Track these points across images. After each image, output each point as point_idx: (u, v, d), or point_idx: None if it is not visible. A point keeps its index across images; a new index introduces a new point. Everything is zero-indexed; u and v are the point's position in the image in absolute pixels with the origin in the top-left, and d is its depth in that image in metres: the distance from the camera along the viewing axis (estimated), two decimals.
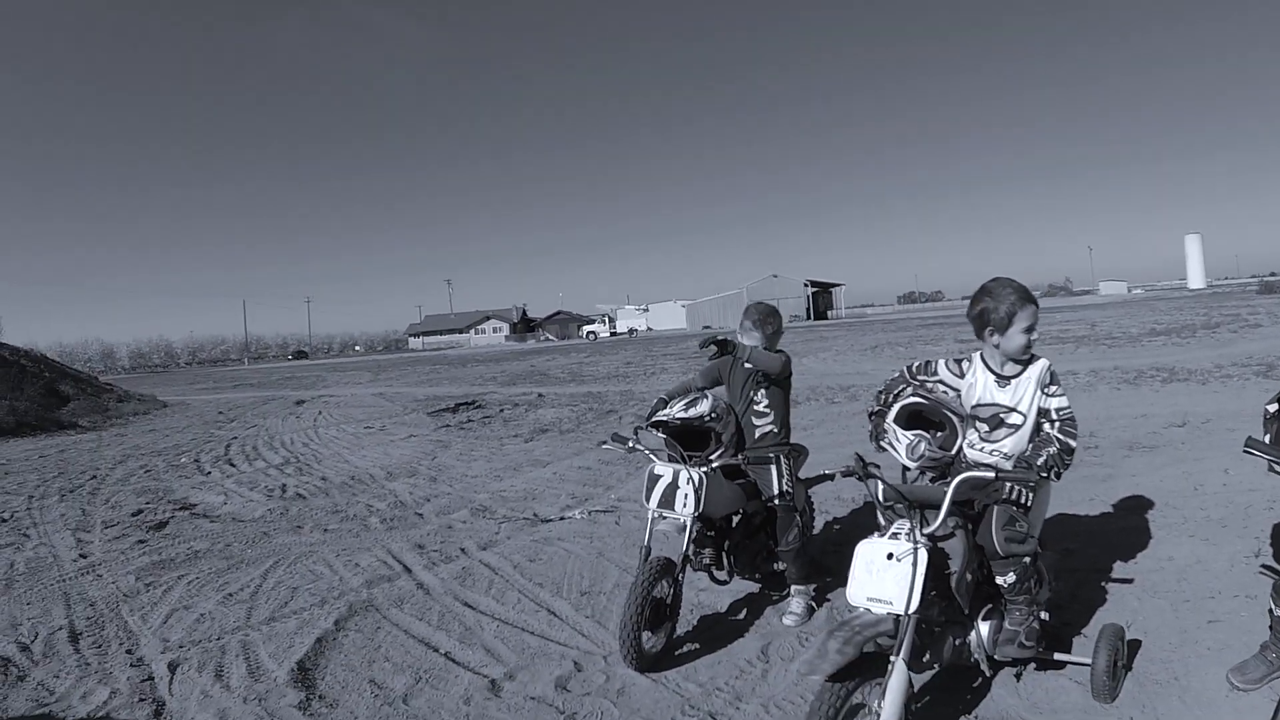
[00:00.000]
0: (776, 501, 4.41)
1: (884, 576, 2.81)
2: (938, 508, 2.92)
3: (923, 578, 2.77)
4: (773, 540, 4.53)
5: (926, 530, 2.90)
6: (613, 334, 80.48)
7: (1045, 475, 3.22)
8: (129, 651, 4.51)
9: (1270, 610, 3.31)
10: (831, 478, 3.61)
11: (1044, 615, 3.46)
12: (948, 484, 2.97)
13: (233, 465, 11.20)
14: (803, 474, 4.68)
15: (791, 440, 4.69)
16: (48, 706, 3.89)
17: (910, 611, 2.74)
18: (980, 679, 3.49)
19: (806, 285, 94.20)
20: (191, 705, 3.83)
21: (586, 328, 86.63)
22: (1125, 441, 8.39)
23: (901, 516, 2.96)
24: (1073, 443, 3.31)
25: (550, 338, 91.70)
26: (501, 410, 15.42)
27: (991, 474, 3.04)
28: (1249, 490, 5.89)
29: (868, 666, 2.71)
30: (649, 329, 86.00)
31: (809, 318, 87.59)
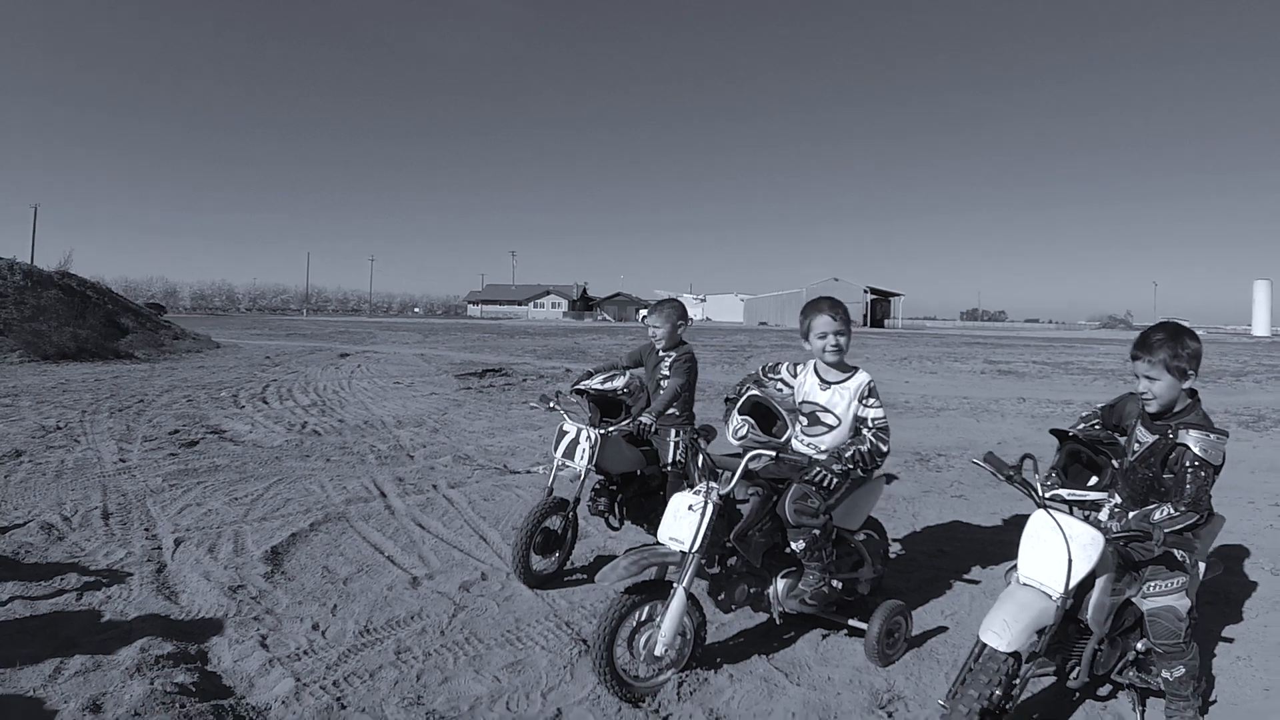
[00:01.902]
0: (669, 468, 5.29)
1: (681, 521, 3.61)
2: (731, 473, 3.68)
3: (708, 525, 3.54)
4: (665, 501, 5.41)
5: (722, 491, 3.67)
6: (688, 322, 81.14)
7: (851, 467, 3.88)
8: (146, 529, 5.66)
9: None
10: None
11: (837, 583, 4.11)
12: (737, 456, 3.74)
13: (265, 403, 12.46)
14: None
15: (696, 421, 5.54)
16: (77, 559, 5.01)
17: (694, 549, 3.51)
18: (793, 631, 4.27)
19: (866, 292, 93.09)
20: (185, 567, 4.98)
21: (642, 312, 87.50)
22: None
23: (712, 477, 3.73)
24: (884, 448, 3.96)
25: (607, 318, 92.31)
26: (524, 380, 16.43)
27: (778, 455, 3.74)
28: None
29: (659, 590, 3.56)
30: (706, 319, 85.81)
31: (865, 324, 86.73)
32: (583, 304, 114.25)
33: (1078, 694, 3.66)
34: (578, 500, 5.08)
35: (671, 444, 5.29)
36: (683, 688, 3.59)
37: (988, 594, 5.02)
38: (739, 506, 3.80)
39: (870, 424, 3.97)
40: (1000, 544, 6.14)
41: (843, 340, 4.04)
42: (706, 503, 3.58)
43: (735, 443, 3.91)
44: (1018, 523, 6.59)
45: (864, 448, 3.89)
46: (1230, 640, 4.34)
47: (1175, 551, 3.19)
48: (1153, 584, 3.25)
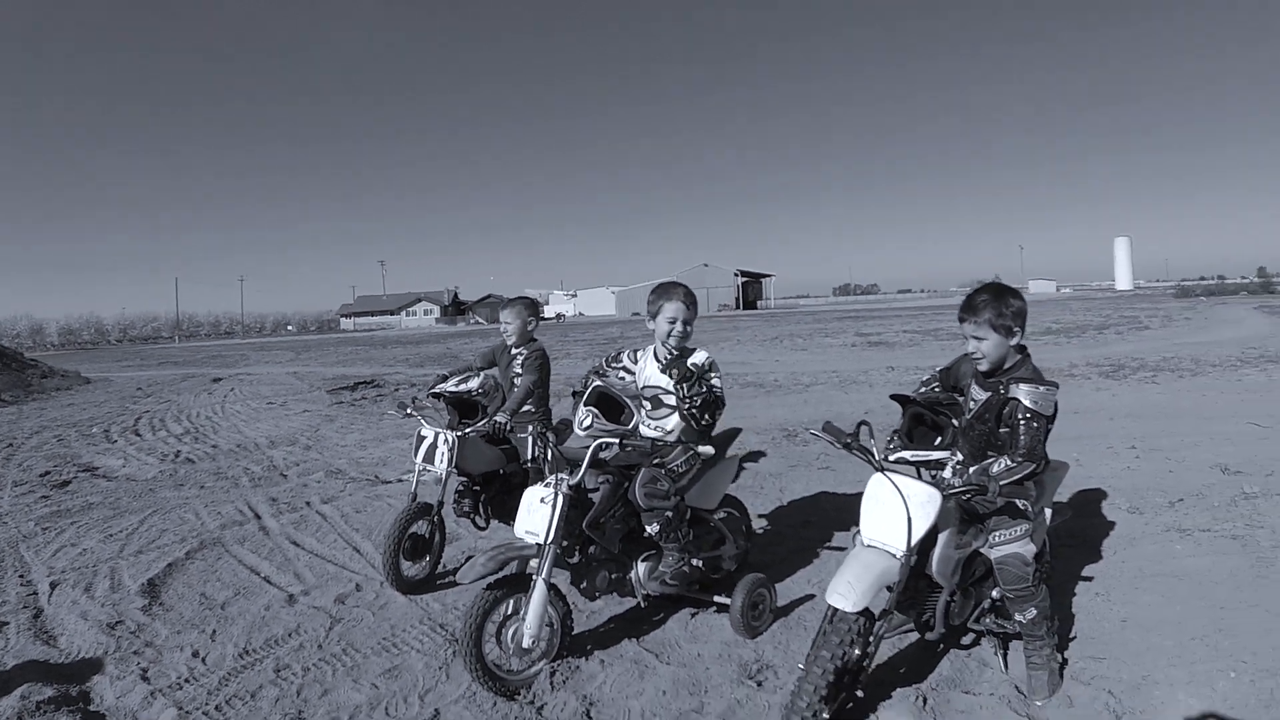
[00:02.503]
0: (529, 465, 5.48)
1: (535, 514, 3.81)
2: (578, 464, 3.89)
3: (560, 516, 3.75)
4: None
5: (571, 481, 3.83)
6: (541, 319, 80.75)
7: (679, 457, 4.12)
8: (20, 576, 5.60)
9: None
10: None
11: (698, 562, 4.37)
12: (588, 447, 3.93)
13: (138, 435, 12.18)
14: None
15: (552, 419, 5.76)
16: None
17: (549, 541, 3.73)
18: (662, 613, 4.54)
19: (737, 275, 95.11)
20: (62, 609, 4.95)
21: None
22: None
23: (562, 469, 3.92)
24: (712, 417, 4.07)
25: (480, 321, 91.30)
26: (396, 389, 16.52)
27: (617, 441, 3.95)
28: None
29: (519, 583, 3.76)
30: (579, 314, 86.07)
31: (738, 307, 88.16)
32: (455, 309, 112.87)
33: (941, 645, 4.00)
34: (441, 503, 5.26)
35: (529, 441, 5.45)
36: (555, 677, 3.82)
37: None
38: (591, 495, 3.99)
39: (707, 388, 4.06)
40: (846, 520, 6.46)
41: (689, 328, 4.25)
42: (556, 494, 3.77)
43: (583, 434, 4.07)
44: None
45: (691, 415, 4.03)
46: (1090, 579, 4.77)
47: (1017, 501, 3.47)
48: (998, 534, 3.52)
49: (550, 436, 4.21)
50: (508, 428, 5.37)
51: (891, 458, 3.54)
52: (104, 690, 3.87)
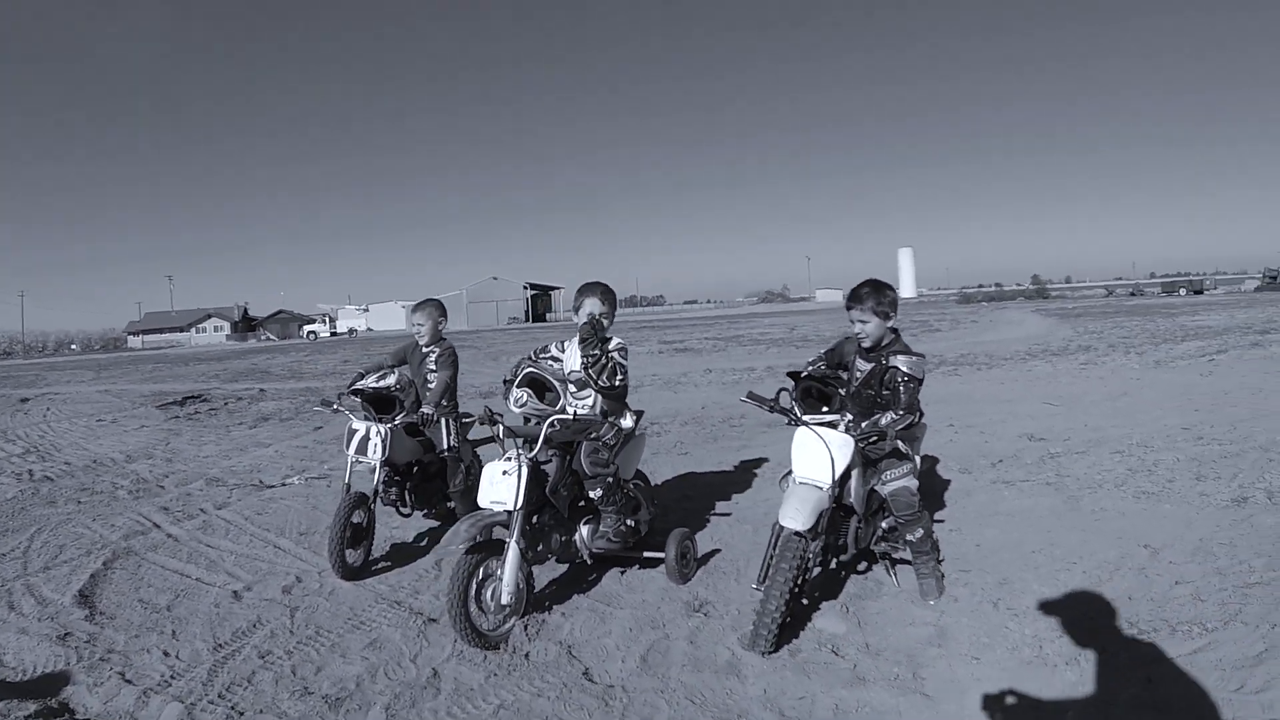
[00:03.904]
0: (446, 453, 5.91)
1: (500, 485, 4.27)
2: (534, 441, 4.37)
3: (525, 485, 4.23)
4: (445, 483, 6.00)
5: (530, 455, 4.33)
6: (333, 334, 78.61)
7: (606, 429, 4.65)
8: None
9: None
10: (472, 423, 5.22)
11: (631, 523, 4.95)
12: (542, 424, 4.42)
13: None
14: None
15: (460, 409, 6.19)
16: None
17: (517, 507, 4.20)
18: (595, 573, 5.09)
19: (526, 288, 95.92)
20: None
21: (307, 327, 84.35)
22: (768, 421, 10.57)
23: (517, 446, 4.40)
24: (615, 383, 4.64)
25: (271, 337, 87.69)
26: (226, 403, 16.06)
27: (570, 417, 4.47)
28: None
29: (495, 547, 4.22)
30: (369, 329, 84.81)
31: (527, 320, 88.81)
32: (245, 325, 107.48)
33: (843, 572, 4.84)
34: (377, 493, 5.58)
35: (444, 431, 5.91)
36: (528, 629, 4.31)
37: (740, 521, 6.18)
38: (543, 467, 4.49)
39: (610, 360, 4.68)
40: (729, 484, 7.39)
41: (605, 321, 4.81)
42: (521, 466, 4.26)
43: (516, 410, 4.62)
44: (741, 467, 8.01)
45: (606, 388, 4.69)
46: (942, 520, 5.77)
47: (901, 446, 4.36)
48: (888, 473, 4.41)
49: (499, 417, 4.63)
50: (434, 419, 5.74)
51: (805, 415, 4.35)
52: (85, 698, 3.88)
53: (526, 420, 4.73)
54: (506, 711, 3.55)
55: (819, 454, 4.05)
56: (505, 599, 4.16)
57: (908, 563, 4.66)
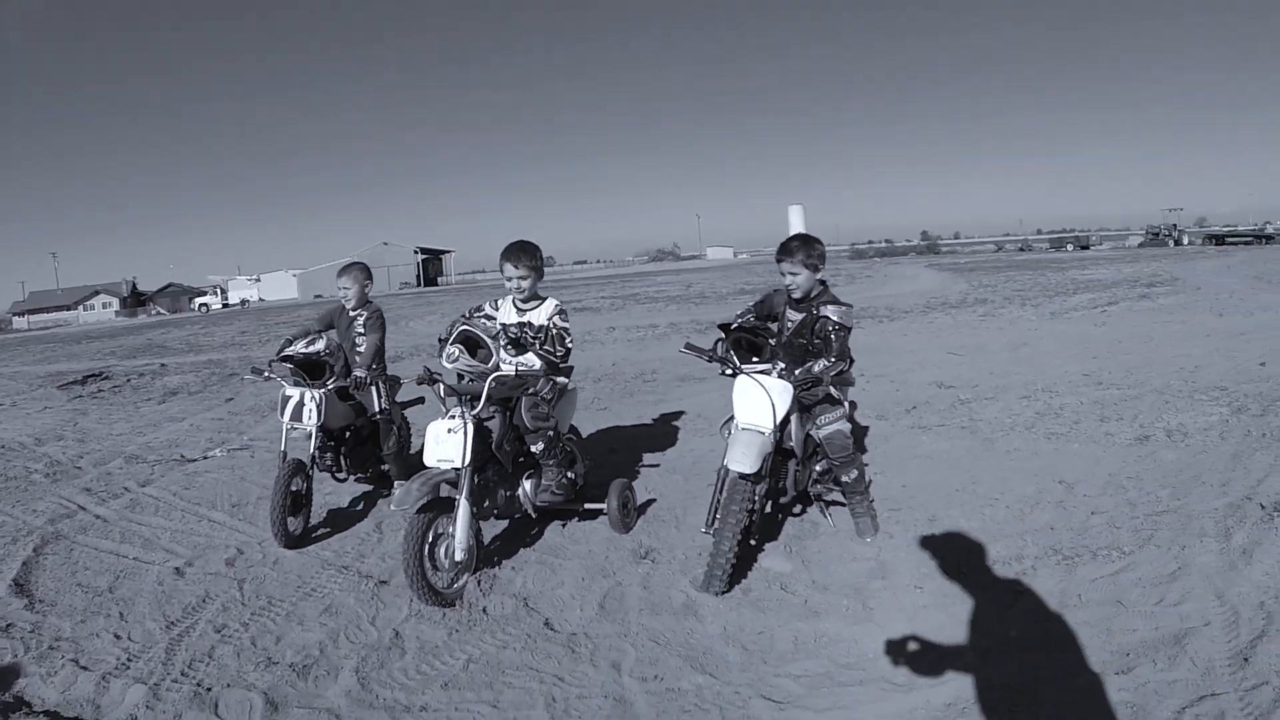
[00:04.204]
0: (378, 416, 5.91)
1: (446, 443, 4.26)
2: (477, 398, 4.37)
3: (471, 442, 4.24)
4: (377, 446, 5.99)
5: (473, 412, 4.37)
6: (225, 305, 75.91)
7: (541, 379, 4.62)
8: None
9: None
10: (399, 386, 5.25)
11: (570, 475, 5.03)
12: (485, 381, 4.40)
13: None
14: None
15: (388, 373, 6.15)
16: None
17: (465, 464, 4.21)
18: (537, 527, 5.18)
19: (417, 252, 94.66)
20: None
21: (198, 300, 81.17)
22: (681, 375, 10.83)
23: (459, 405, 4.40)
24: (560, 351, 4.71)
25: (162, 311, 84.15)
26: (129, 380, 15.38)
27: (513, 371, 4.53)
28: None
29: (444, 505, 4.22)
30: (261, 299, 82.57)
31: (419, 284, 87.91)
32: (135, 300, 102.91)
33: (781, 515, 5.03)
34: (314, 459, 5.52)
35: (375, 395, 5.90)
36: (481, 585, 4.37)
37: (669, 471, 6.34)
38: (486, 424, 4.51)
39: (554, 328, 4.79)
40: (653, 436, 7.56)
41: (524, 283, 4.83)
42: (465, 423, 4.27)
43: (449, 366, 4.60)
44: (661, 420, 8.21)
45: (541, 357, 4.71)
46: (868, 464, 5.88)
47: (833, 391, 4.53)
48: (823, 418, 4.59)
49: (439, 376, 4.64)
50: (368, 382, 5.71)
51: (725, 371, 4.50)
52: (40, 690, 3.70)
53: (460, 377, 4.71)
54: (475, 665, 3.61)
55: (760, 400, 4.18)
56: (459, 556, 4.20)
57: (840, 504, 4.90)
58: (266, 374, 5.69)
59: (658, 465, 6.54)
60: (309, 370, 5.65)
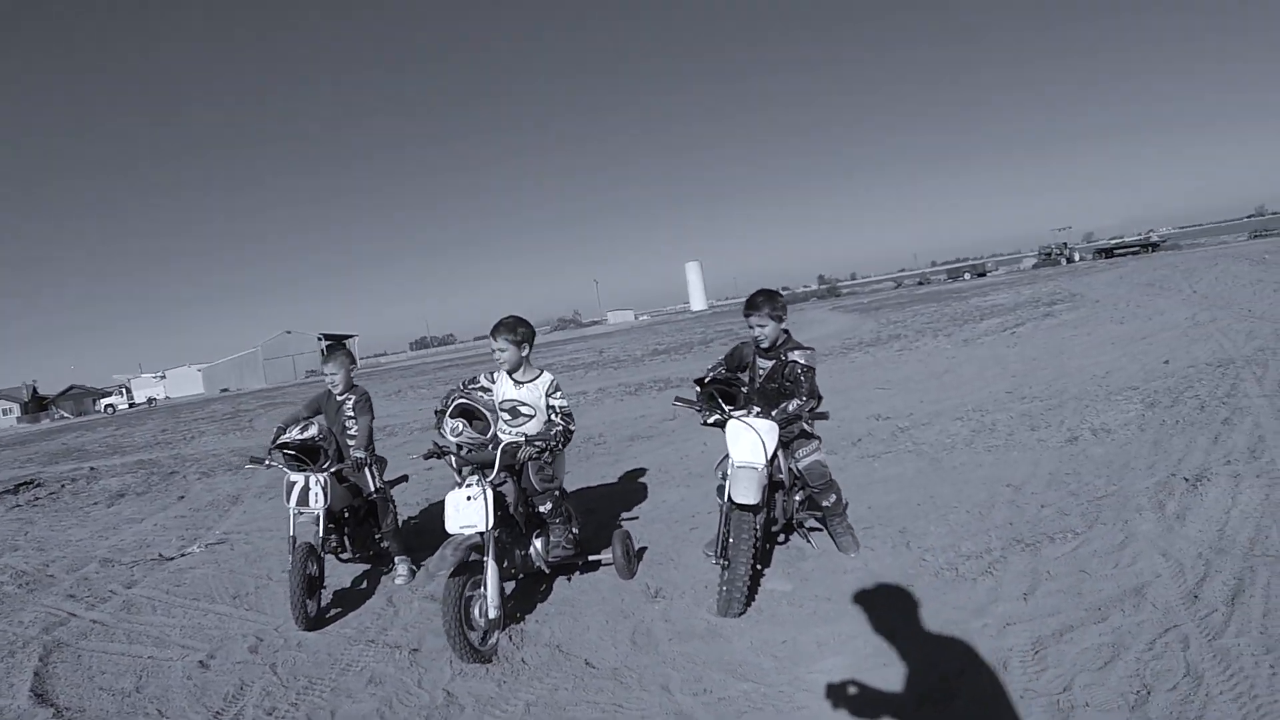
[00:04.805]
0: (374, 496, 6.20)
1: (467, 510, 4.62)
2: (491, 465, 4.78)
3: (492, 507, 4.62)
4: (374, 525, 6.27)
5: (488, 479, 4.74)
6: (131, 405, 73.92)
7: (555, 445, 5.12)
8: None
9: (718, 504, 4.88)
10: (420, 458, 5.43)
11: (575, 531, 5.39)
12: (496, 451, 4.82)
13: None
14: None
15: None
16: None
17: (489, 529, 4.58)
18: (545, 583, 5.48)
19: (320, 339, 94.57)
20: None
21: (104, 401, 78.58)
22: (629, 436, 11.31)
23: (473, 473, 4.76)
24: (571, 426, 5.28)
25: (66, 415, 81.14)
26: (63, 485, 15.15)
27: (522, 440, 4.97)
28: (718, 453, 8.35)
29: (473, 568, 4.56)
30: (167, 397, 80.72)
31: None
32: (35, 405, 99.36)
33: (767, 544, 5.41)
34: (323, 541, 5.75)
35: (369, 475, 6.20)
36: (513, 640, 4.68)
37: (650, 521, 6.75)
38: (499, 490, 4.85)
39: (559, 411, 5.25)
40: (622, 493, 7.96)
41: (506, 355, 5.23)
42: (485, 491, 4.64)
43: (452, 440, 4.95)
44: (625, 478, 8.62)
45: (558, 429, 5.18)
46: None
47: (807, 426, 5.08)
48: (801, 450, 5.11)
49: (447, 450, 4.97)
50: (369, 463, 6.01)
51: (710, 420, 5.00)
52: None
53: (460, 449, 5.03)
54: (536, 708, 3.92)
55: (752, 440, 4.67)
56: (492, 613, 4.52)
57: (818, 529, 5.42)
58: (268, 462, 5.91)
59: (637, 518, 6.93)
60: (305, 456, 5.89)
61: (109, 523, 10.58)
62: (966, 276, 67.24)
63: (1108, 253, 60.17)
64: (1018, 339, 15.59)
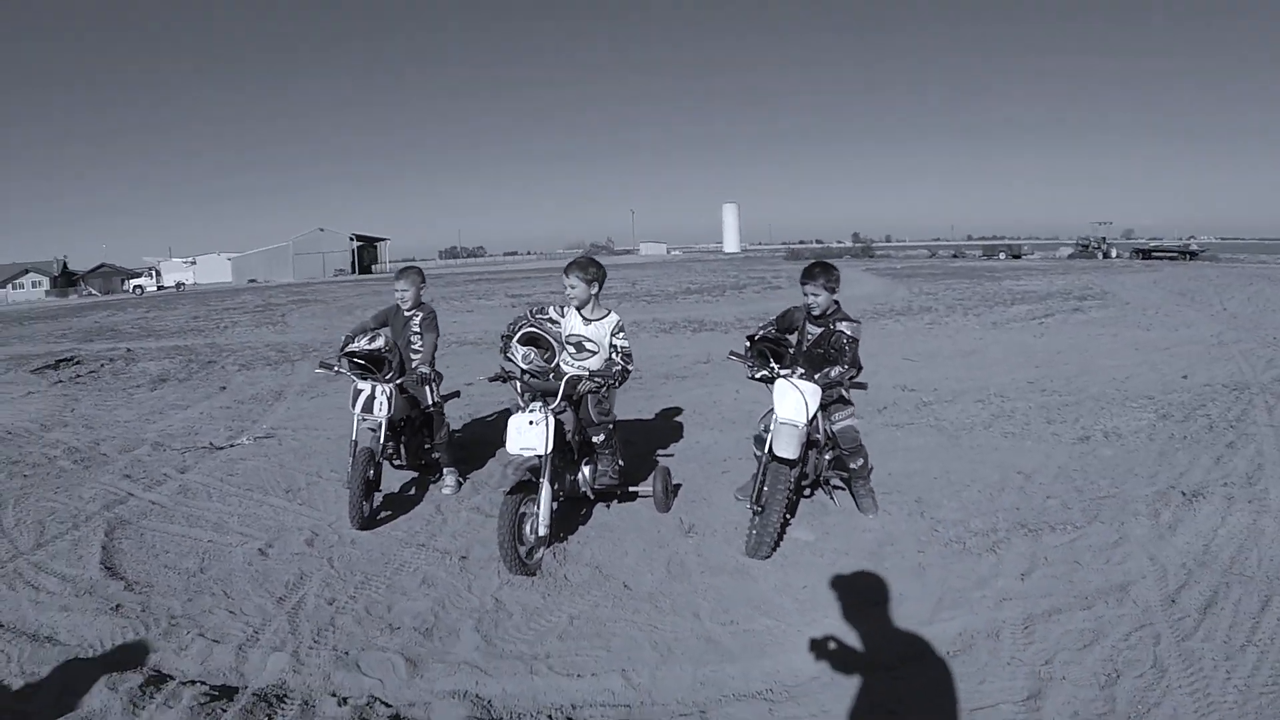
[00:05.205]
0: (430, 409, 6.62)
1: (529, 433, 4.99)
2: (554, 395, 5.17)
3: (552, 433, 5.01)
4: (429, 436, 6.69)
5: (550, 407, 5.08)
6: (160, 288, 74.14)
7: (613, 382, 5.45)
8: None
9: (754, 453, 5.40)
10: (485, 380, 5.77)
11: (621, 463, 5.79)
12: (560, 381, 5.20)
13: None
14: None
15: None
16: None
17: (547, 452, 4.98)
18: (586, 508, 5.92)
19: (352, 239, 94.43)
20: (32, 609, 4.70)
21: (132, 281, 79.42)
22: (663, 374, 11.76)
23: (535, 399, 5.14)
24: (630, 366, 5.50)
25: (94, 292, 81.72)
26: (102, 365, 15.53)
27: (586, 374, 5.34)
28: (752, 402, 8.45)
29: (528, 487, 4.98)
30: (196, 283, 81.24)
31: (353, 271, 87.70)
32: (65, 280, 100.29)
33: (796, 496, 5.79)
34: (383, 448, 6.14)
35: (428, 389, 6.59)
36: (556, 557, 5.16)
37: (685, 460, 7.19)
38: (559, 418, 5.22)
39: (620, 350, 5.55)
40: (658, 430, 8.43)
41: (576, 291, 5.56)
42: (547, 417, 5.02)
43: (524, 366, 5.32)
44: (661, 415, 9.08)
45: (617, 369, 5.48)
46: None
47: (845, 393, 5.48)
48: (837, 414, 5.54)
49: (513, 375, 5.35)
50: (432, 377, 6.45)
51: (758, 375, 5.40)
52: (176, 663, 4.04)
53: (525, 375, 5.37)
54: (579, 620, 4.40)
55: (796, 400, 5.08)
56: (542, 530, 4.98)
57: (840, 488, 5.87)
58: (336, 369, 6.31)
59: (673, 455, 7.35)
60: (370, 364, 6.27)
61: (154, 407, 10.96)
62: (1002, 256, 66.56)
63: (1146, 254, 59.22)
64: (1045, 329, 15.85)
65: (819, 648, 3.97)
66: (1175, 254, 58.02)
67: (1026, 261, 56.97)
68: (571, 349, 5.65)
